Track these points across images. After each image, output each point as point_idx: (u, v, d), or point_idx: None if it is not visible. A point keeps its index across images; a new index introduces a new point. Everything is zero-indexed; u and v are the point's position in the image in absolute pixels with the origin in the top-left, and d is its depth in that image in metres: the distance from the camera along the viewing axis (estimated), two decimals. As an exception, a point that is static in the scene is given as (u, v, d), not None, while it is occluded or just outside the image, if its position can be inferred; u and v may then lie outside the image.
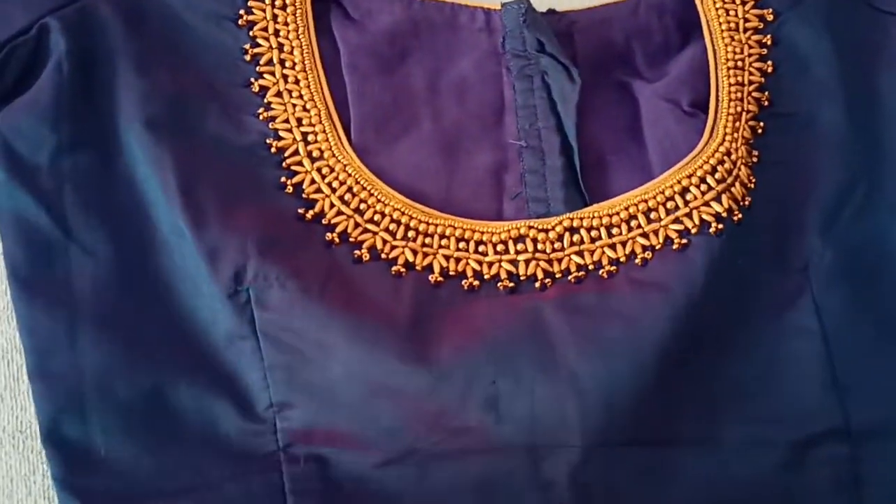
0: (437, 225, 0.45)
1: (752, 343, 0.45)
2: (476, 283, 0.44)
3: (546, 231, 0.45)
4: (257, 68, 0.48)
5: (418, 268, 0.44)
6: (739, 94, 0.49)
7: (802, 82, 0.50)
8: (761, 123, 0.49)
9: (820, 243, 0.47)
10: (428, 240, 0.45)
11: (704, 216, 0.46)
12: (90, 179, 0.44)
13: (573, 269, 0.45)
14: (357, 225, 0.45)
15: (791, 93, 0.50)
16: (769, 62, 0.50)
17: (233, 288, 0.42)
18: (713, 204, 0.46)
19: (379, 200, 0.45)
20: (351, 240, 0.44)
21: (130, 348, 0.43)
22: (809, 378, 0.45)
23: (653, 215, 0.46)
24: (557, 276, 0.45)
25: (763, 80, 0.50)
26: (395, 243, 0.44)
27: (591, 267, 0.45)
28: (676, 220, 0.46)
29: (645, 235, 0.46)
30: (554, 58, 0.49)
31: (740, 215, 0.46)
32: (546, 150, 0.48)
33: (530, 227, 0.45)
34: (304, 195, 0.45)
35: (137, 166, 0.44)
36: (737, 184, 0.47)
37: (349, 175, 0.45)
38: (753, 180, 0.48)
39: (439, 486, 0.42)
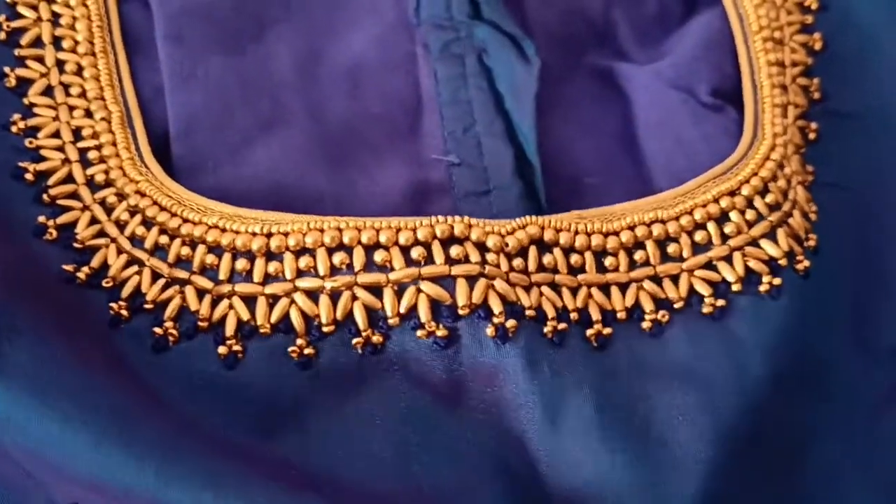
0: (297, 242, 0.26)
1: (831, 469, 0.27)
2: (376, 337, 0.25)
3: (501, 235, 0.26)
4: (16, 51, 0.29)
5: (262, 331, 0.25)
6: (782, 80, 0.32)
7: (867, 65, 0.33)
8: (812, 125, 0.32)
9: None
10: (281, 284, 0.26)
11: (752, 264, 0.28)
12: None
13: (549, 313, 0.26)
14: (158, 278, 0.26)
15: (851, 81, 0.33)
16: (816, 34, 0.34)
17: None
18: (765, 244, 0.28)
19: (200, 226, 0.27)
20: (147, 305, 0.26)
21: None
22: None
23: (671, 249, 0.28)
24: (529, 314, 0.26)
25: (810, 60, 0.33)
26: (216, 290, 0.26)
27: (574, 317, 0.26)
28: (709, 266, 0.28)
29: (656, 280, 0.27)
30: (496, 27, 0.32)
31: (807, 263, 0.28)
32: (491, 170, 0.30)
33: (471, 226, 0.26)
34: (76, 244, 0.26)
35: None
36: (796, 213, 0.29)
37: (152, 202, 0.27)
38: (814, 210, 0.30)
39: None
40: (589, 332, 0.26)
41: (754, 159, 0.30)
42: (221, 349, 0.25)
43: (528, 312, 0.25)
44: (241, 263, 0.26)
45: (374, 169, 0.30)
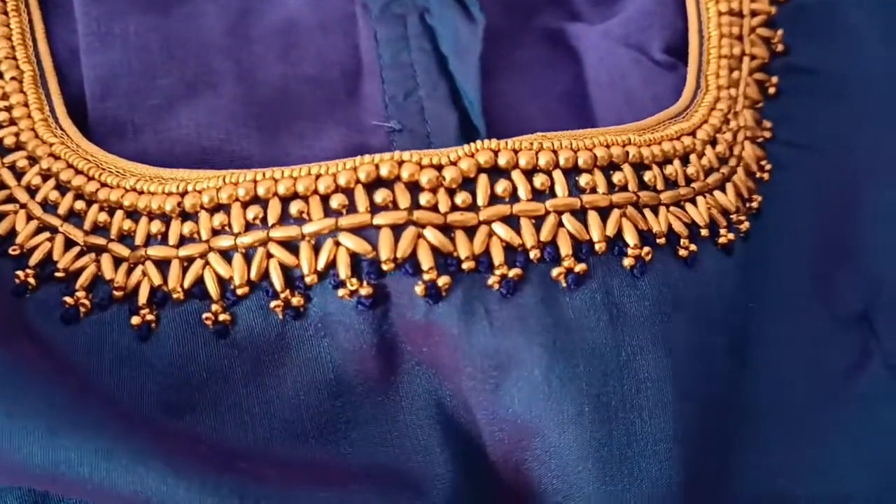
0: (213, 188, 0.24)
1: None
2: (296, 299, 0.23)
3: (437, 167, 0.23)
4: None
5: (175, 297, 0.23)
6: (737, 30, 0.30)
7: (835, 18, 0.32)
8: (773, 79, 0.30)
9: (887, 272, 0.28)
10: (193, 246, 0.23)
11: (713, 211, 0.26)
12: None
13: (497, 259, 0.22)
14: (72, 245, 0.24)
15: (818, 35, 0.31)
16: None
17: None
18: (718, 196, 0.27)
19: (118, 189, 0.24)
20: (58, 273, 0.24)
21: None
22: None
23: (647, 176, 0.25)
24: (466, 266, 0.22)
25: (773, 9, 0.31)
26: (132, 257, 0.24)
27: (534, 255, 0.23)
28: (678, 204, 0.25)
29: (637, 207, 0.24)
30: (440, -15, 0.30)
31: (747, 224, 0.27)
32: (433, 135, 0.29)
33: (401, 163, 0.23)
34: None
35: None
36: (740, 170, 0.28)
37: (66, 165, 0.25)
38: (768, 168, 0.29)
39: None
40: (556, 271, 0.23)
41: (702, 107, 0.28)
42: (135, 319, 0.23)
43: (465, 265, 0.22)
44: (157, 226, 0.24)
45: (309, 135, 0.28)
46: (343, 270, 0.22)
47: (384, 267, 0.22)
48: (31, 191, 0.25)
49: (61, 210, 0.25)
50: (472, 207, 0.23)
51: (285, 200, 0.23)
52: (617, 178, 0.24)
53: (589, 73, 0.31)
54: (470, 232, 0.23)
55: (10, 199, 0.25)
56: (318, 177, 0.23)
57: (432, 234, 0.22)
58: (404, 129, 0.29)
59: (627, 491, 0.22)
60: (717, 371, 0.25)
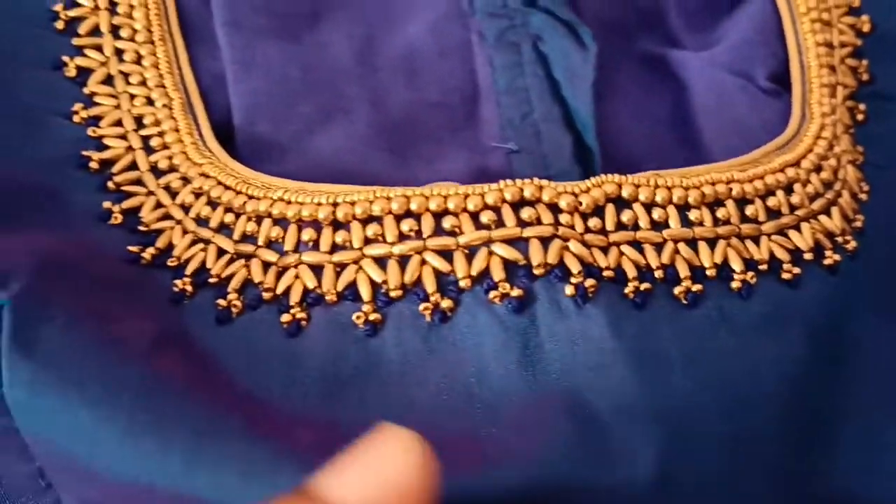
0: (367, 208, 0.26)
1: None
2: (446, 302, 0.25)
3: (574, 194, 0.26)
4: (74, 40, 0.29)
5: (328, 299, 0.25)
6: (830, 61, 0.32)
7: None
8: (860, 106, 0.32)
9: None
10: (350, 247, 0.25)
11: (818, 236, 0.28)
12: None
13: (630, 273, 0.25)
14: (223, 254, 0.26)
15: None
16: (864, 16, 0.34)
17: None
18: (823, 220, 0.28)
19: (265, 200, 0.26)
20: (211, 280, 0.26)
21: None
22: None
23: (749, 210, 0.27)
24: (607, 275, 0.25)
25: (858, 41, 0.33)
26: (281, 262, 0.25)
27: (658, 275, 0.25)
28: (782, 232, 0.28)
29: (740, 239, 0.27)
30: (552, 14, 0.32)
31: (854, 243, 0.29)
32: (550, 156, 0.30)
33: (542, 188, 0.25)
34: (141, 227, 0.27)
35: None
36: (845, 192, 0.30)
37: (216, 183, 0.27)
38: (866, 189, 0.31)
39: None
40: (677, 289, 0.25)
41: (807, 136, 0.30)
42: (285, 317, 0.25)
43: (605, 273, 0.24)
44: (308, 234, 0.25)
45: (434, 157, 0.30)
46: (497, 274, 0.24)
47: (535, 272, 0.24)
48: (185, 208, 0.27)
49: (213, 223, 0.26)
50: (603, 231, 0.25)
51: (437, 216, 0.25)
52: (721, 213, 0.27)
53: (695, 100, 0.32)
54: (604, 250, 0.25)
55: (167, 217, 0.27)
56: (466, 196, 0.25)
57: (575, 246, 0.25)
58: (522, 150, 0.30)
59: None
60: (818, 378, 0.26)
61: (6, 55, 0.28)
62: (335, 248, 0.25)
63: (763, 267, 0.26)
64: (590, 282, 0.24)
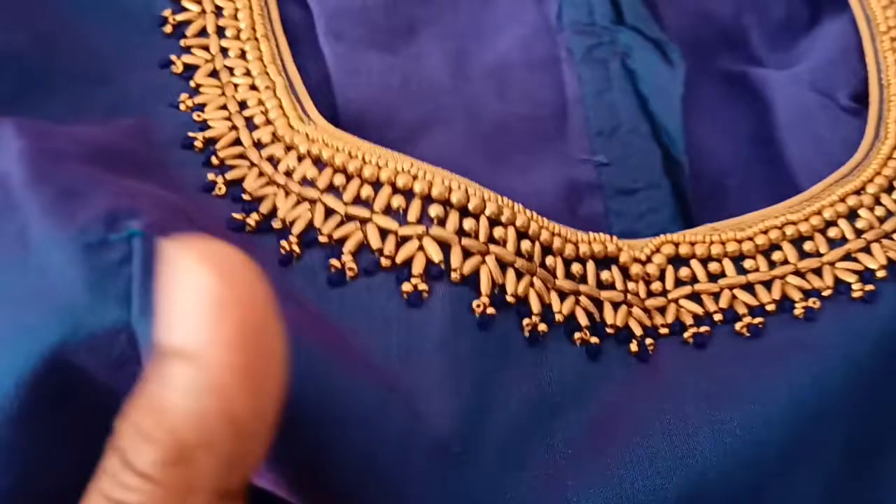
0: (481, 197, 0.26)
1: None
2: (542, 325, 0.26)
3: (641, 262, 0.28)
4: (182, 41, 0.30)
5: (452, 277, 0.25)
6: None
7: None
8: None
9: None
10: (469, 224, 0.26)
11: (891, 255, 0.29)
12: None
13: (688, 321, 0.27)
14: (332, 214, 0.26)
15: None
16: None
17: (98, 232, 0.22)
18: None
19: (373, 164, 0.27)
20: (322, 238, 0.25)
21: None
22: None
23: (807, 246, 0.29)
24: (662, 332, 0.27)
25: None
26: (403, 231, 0.25)
27: (718, 318, 0.27)
28: (848, 257, 0.29)
29: (799, 275, 0.28)
30: (639, 32, 0.33)
31: None
32: (639, 169, 0.31)
33: (620, 248, 0.27)
34: (245, 195, 0.27)
35: None
36: None
37: (324, 144, 0.27)
38: None
39: None
40: (738, 325, 0.27)
41: (877, 159, 0.31)
42: (406, 286, 0.25)
43: (661, 331, 0.27)
44: (436, 210, 0.26)
45: (526, 168, 0.31)
46: (583, 320, 0.26)
47: (608, 330, 0.26)
48: (289, 173, 0.27)
49: (320, 184, 0.26)
50: (663, 293, 0.27)
51: (544, 248, 0.26)
52: (776, 256, 0.28)
53: (779, 117, 0.33)
54: (661, 311, 0.27)
55: (270, 183, 0.27)
56: (576, 244, 0.27)
57: (637, 313, 0.27)
58: (611, 162, 0.31)
59: None
60: (886, 392, 0.27)
61: (117, 58, 0.29)
62: (462, 232, 0.25)
63: (827, 293, 0.28)
64: (649, 341, 0.26)
